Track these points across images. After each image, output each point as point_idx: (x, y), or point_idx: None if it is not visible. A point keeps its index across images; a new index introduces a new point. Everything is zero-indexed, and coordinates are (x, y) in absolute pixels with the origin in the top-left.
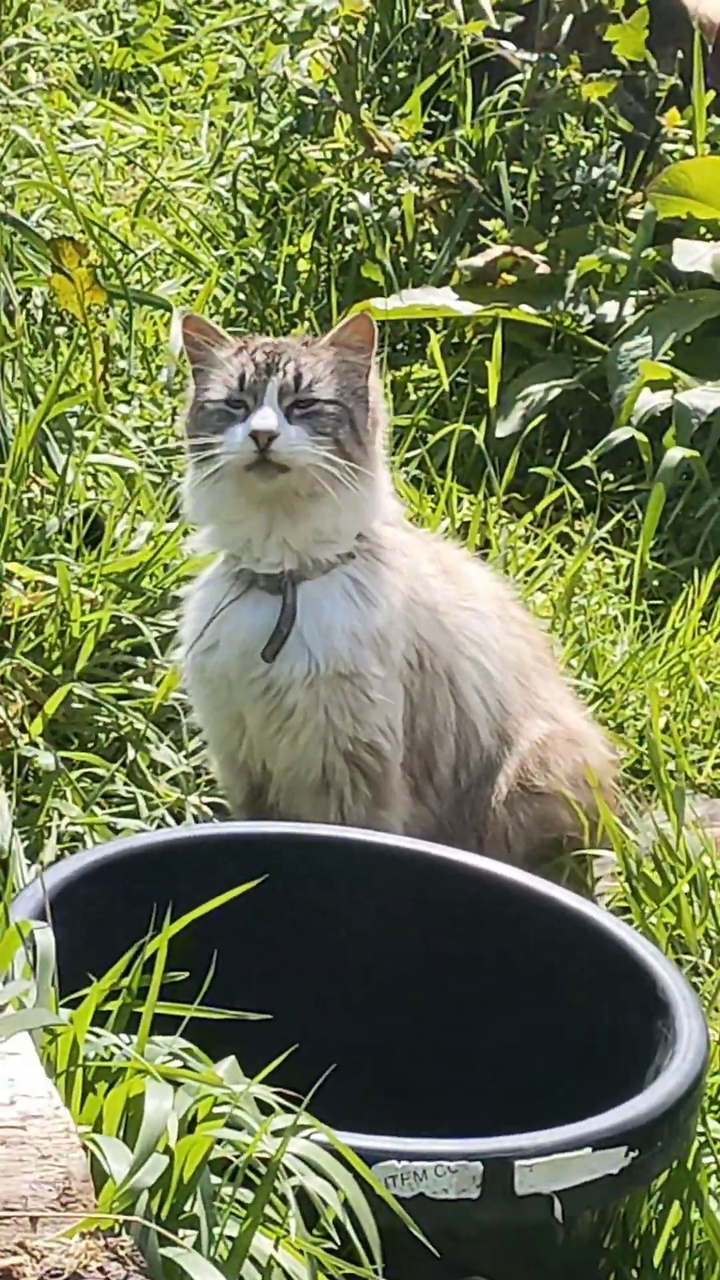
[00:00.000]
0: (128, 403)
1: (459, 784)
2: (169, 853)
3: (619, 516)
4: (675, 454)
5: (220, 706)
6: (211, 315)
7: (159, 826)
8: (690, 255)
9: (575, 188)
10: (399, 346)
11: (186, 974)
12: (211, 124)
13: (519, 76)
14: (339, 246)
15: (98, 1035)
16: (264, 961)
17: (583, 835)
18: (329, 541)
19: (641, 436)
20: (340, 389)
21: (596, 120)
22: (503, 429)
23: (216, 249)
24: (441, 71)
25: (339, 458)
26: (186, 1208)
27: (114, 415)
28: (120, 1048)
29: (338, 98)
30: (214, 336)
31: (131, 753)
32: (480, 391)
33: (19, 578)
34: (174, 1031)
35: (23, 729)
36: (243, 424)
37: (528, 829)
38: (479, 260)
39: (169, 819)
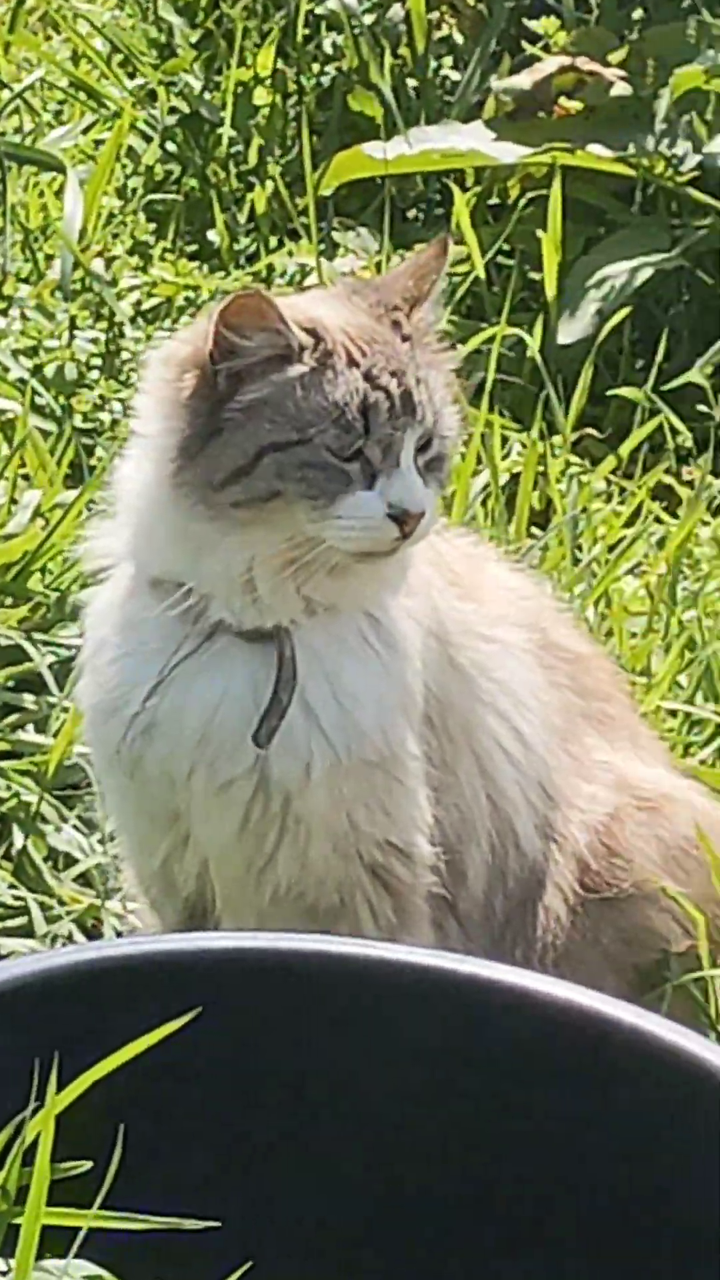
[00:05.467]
0: (3, 313)
1: (494, 913)
2: (76, 982)
3: None
4: None
5: (154, 808)
6: (129, 175)
7: (62, 944)
8: None
9: None
10: (410, 214)
11: (89, 1163)
12: None
13: None
14: (314, 67)
15: None
16: (212, 1134)
17: (696, 944)
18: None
19: None
20: (452, 403)
21: None
22: (568, 332)
23: (132, 77)
24: None
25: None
26: None
27: None
28: None
29: None
30: (270, 323)
31: (19, 838)
32: (533, 277)
33: None
34: (73, 1247)
35: None
36: (369, 492)
37: (612, 953)
38: (525, 80)
39: (77, 934)
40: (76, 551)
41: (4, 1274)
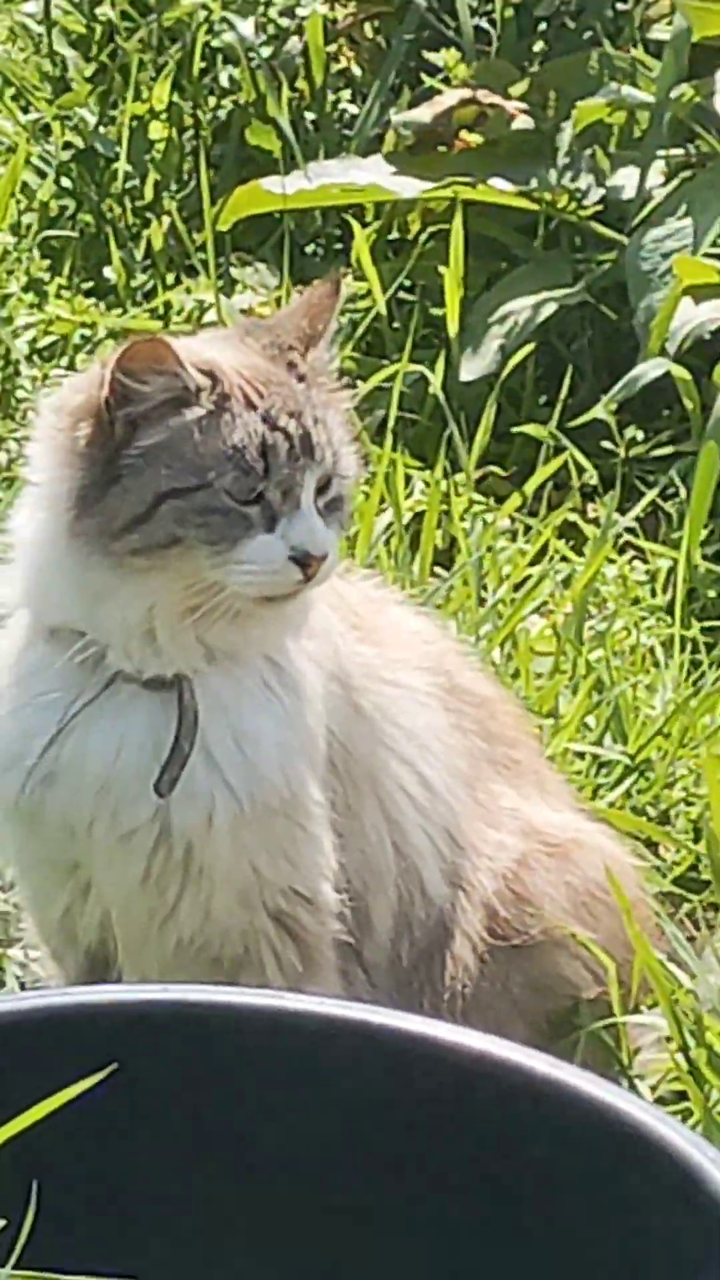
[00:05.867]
0: None
1: (399, 961)
2: None
3: (652, 495)
4: None
5: (54, 858)
6: (23, 211)
7: None
8: None
9: None
10: (309, 250)
11: (2, 1222)
12: None
13: None
14: (211, 100)
15: None
16: (127, 1189)
17: (607, 990)
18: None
19: (682, 372)
20: (351, 442)
21: None
22: (471, 369)
23: (25, 111)
24: None
25: None
26: None
27: None
28: None
29: None
30: (167, 367)
31: None
32: (435, 313)
33: None
34: None
35: None
36: (270, 535)
37: (522, 1002)
38: (425, 113)
39: None
40: None
41: None
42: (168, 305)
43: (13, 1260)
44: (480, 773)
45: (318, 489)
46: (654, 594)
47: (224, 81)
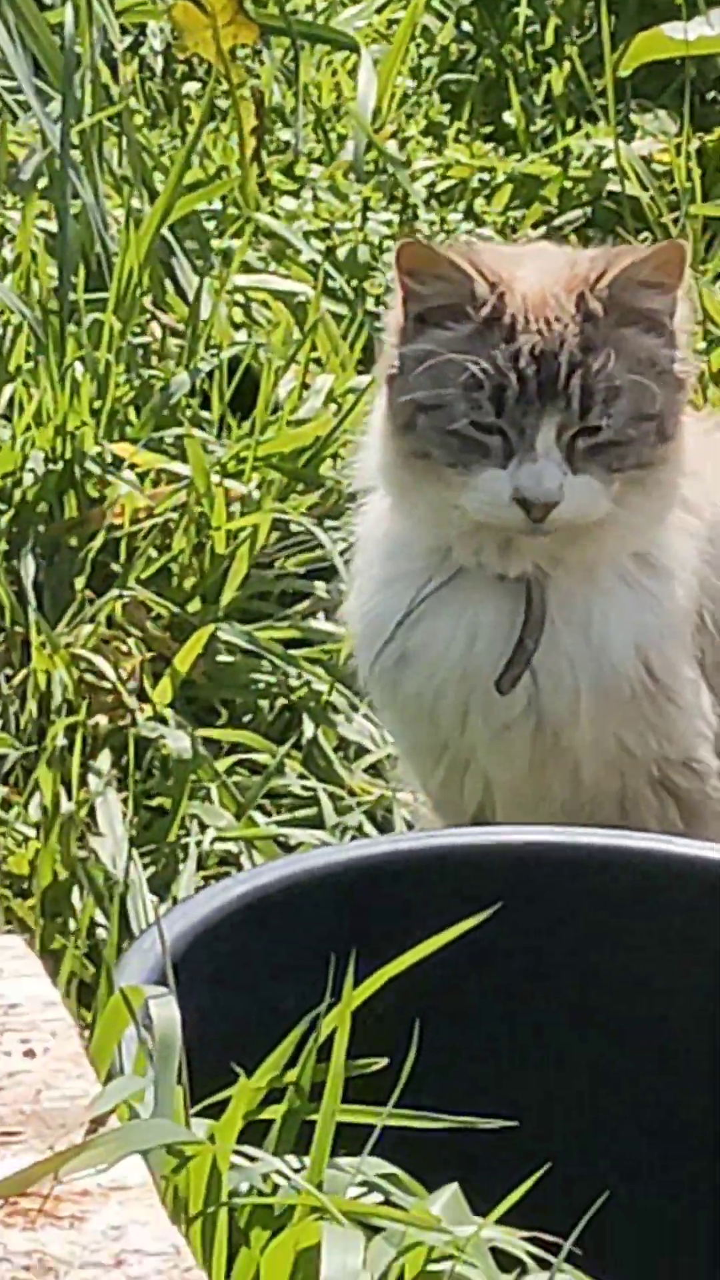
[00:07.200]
0: (295, 194)
1: None
2: (365, 876)
3: None
4: None
5: (418, 737)
6: (424, 55)
7: (352, 838)
8: None
9: None
10: (709, 97)
11: (385, 1061)
12: None
13: None
14: None
15: (251, 1159)
16: (506, 1032)
17: None
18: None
19: None
20: (642, 387)
21: None
22: None
23: None
24: None
25: (642, 484)
26: None
27: (274, 213)
28: (287, 1176)
29: None
30: (445, 272)
31: (309, 728)
32: None
33: (132, 465)
34: (367, 1146)
35: (142, 696)
36: (501, 471)
37: None
38: None
39: (367, 825)
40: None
41: (299, 1171)
42: (567, 151)
43: (393, 1100)
44: None
45: (577, 432)
46: None
47: None
